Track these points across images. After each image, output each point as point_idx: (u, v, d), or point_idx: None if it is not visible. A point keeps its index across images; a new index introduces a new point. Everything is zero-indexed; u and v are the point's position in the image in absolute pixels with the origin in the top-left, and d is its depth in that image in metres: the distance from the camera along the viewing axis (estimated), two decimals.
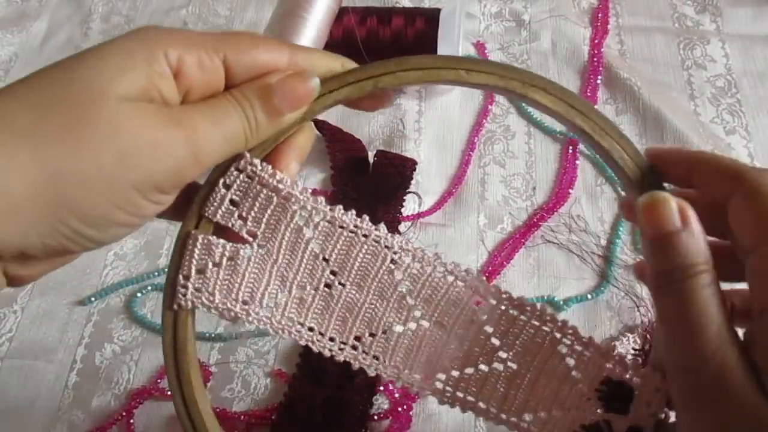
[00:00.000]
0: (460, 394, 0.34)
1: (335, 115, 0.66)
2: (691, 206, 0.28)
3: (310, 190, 0.32)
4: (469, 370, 0.33)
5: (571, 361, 0.32)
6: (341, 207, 0.33)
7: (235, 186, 0.32)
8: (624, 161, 0.31)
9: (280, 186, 0.32)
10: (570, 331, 0.32)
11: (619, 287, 0.54)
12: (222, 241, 0.32)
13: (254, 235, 0.32)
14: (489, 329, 0.33)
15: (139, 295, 0.57)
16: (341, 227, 0.33)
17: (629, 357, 0.31)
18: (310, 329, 0.33)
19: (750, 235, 0.27)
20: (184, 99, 0.29)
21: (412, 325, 0.33)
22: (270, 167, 0.32)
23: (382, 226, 0.33)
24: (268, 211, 0.32)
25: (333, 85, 0.32)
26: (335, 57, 0.32)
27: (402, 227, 0.59)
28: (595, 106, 0.63)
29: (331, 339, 0.33)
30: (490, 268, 0.56)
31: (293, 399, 0.50)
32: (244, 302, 0.33)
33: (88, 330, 0.55)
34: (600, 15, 0.71)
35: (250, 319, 0.33)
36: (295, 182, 0.32)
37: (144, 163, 0.27)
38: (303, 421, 0.49)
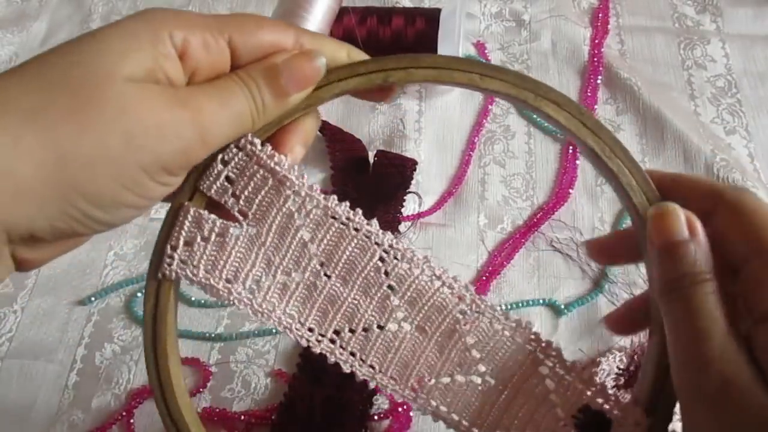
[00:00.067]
0: (433, 403, 0.33)
1: (335, 115, 0.66)
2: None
3: (306, 177, 0.32)
4: (445, 380, 0.33)
5: (551, 384, 0.32)
6: (335, 197, 0.32)
7: (233, 163, 0.31)
8: (631, 187, 0.31)
9: (277, 168, 0.31)
10: (553, 353, 0.32)
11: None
12: (213, 216, 0.32)
13: (245, 215, 0.32)
14: (470, 340, 0.32)
15: (139, 295, 0.57)
16: (333, 218, 0.32)
17: (613, 375, 0.31)
18: (290, 316, 0.33)
19: (739, 249, 0.28)
20: (189, 81, 0.29)
21: (393, 327, 0.33)
22: (269, 148, 0.31)
23: (375, 222, 0.33)
24: (262, 192, 0.32)
25: (343, 74, 0.32)
26: (341, 44, 0.32)
27: (402, 227, 0.59)
28: (596, 106, 0.64)
29: (310, 330, 0.33)
30: (490, 268, 0.56)
31: (293, 399, 0.50)
32: (228, 280, 0.32)
33: (88, 330, 0.55)
34: (600, 15, 0.71)
35: (232, 298, 0.32)
36: (293, 167, 0.32)
37: (150, 143, 0.27)
38: (303, 421, 0.49)
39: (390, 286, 0.33)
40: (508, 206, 0.60)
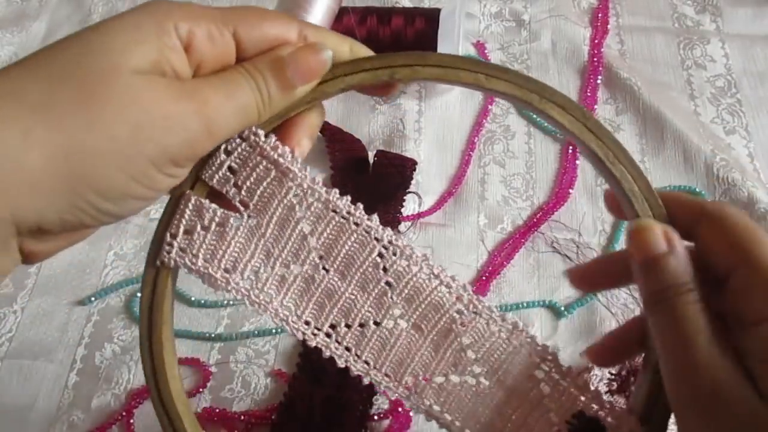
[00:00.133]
0: (426, 401, 0.33)
1: (335, 115, 0.66)
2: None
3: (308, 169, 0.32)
4: (439, 379, 0.33)
5: (546, 388, 0.32)
6: (337, 190, 0.32)
7: (236, 153, 0.31)
8: (633, 194, 0.31)
9: (280, 160, 0.31)
10: (549, 357, 0.32)
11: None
12: (214, 206, 0.32)
13: (246, 206, 0.32)
14: (466, 341, 0.32)
15: (139, 295, 0.56)
16: (334, 211, 0.32)
17: (605, 380, 0.31)
18: (287, 309, 0.33)
19: (724, 260, 0.29)
20: (195, 73, 0.29)
21: (390, 323, 0.33)
22: (273, 139, 0.31)
23: (375, 218, 0.33)
24: (264, 184, 0.32)
25: (348, 69, 0.32)
26: (344, 38, 0.32)
27: (402, 227, 0.59)
28: (596, 105, 0.64)
29: (306, 323, 0.33)
30: (489, 268, 0.56)
31: (293, 399, 0.50)
32: (226, 270, 0.32)
33: (88, 330, 0.55)
34: (600, 15, 0.71)
35: (229, 288, 0.32)
36: (297, 159, 0.32)
37: (157, 135, 0.27)
38: (303, 421, 0.49)
39: (388, 282, 0.33)
40: (508, 206, 0.60)
